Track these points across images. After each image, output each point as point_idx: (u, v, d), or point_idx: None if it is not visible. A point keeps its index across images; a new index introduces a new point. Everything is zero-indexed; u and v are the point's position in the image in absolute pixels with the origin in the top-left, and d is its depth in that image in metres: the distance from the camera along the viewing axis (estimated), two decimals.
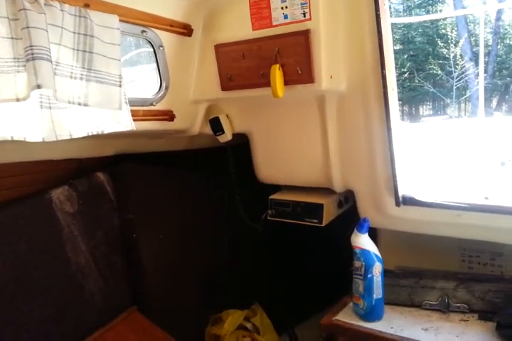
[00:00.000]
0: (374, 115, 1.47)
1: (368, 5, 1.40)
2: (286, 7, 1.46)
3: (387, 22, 1.42)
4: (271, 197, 1.82)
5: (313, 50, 1.41)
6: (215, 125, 1.81)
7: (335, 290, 1.65)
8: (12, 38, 1.05)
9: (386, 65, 1.38)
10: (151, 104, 1.60)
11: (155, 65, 1.62)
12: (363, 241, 1.35)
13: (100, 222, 1.66)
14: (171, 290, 1.75)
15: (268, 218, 1.80)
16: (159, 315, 1.65)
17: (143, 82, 2.17)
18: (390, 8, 1.48)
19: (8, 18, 1.04)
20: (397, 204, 1.50)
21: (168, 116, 1.67)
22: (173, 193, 1.90)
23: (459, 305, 1.39)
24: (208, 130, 1.85)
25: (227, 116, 1.82)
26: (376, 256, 1.36)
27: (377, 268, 1.34)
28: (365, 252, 1.34)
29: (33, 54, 1.02)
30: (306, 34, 1.41)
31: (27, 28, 1.03)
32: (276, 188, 1.91)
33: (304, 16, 1.44)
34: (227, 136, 1.81)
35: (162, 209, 1.84)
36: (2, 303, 1.33)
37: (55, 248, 1.49)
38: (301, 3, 1.44)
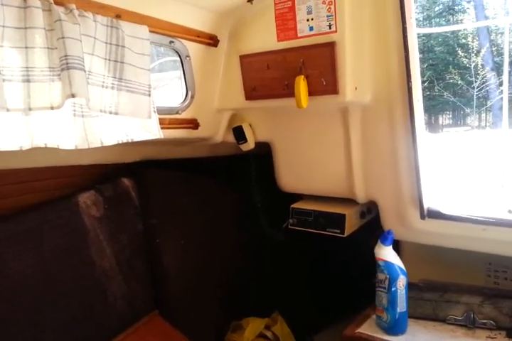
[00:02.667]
0: (399, 127, 1.46)
1: (394, 18, 1.40)
2: (312, 19, 1.48)
3: (413, 35, 1.42)
4: (292, 205, 1.82)
5: (338, 62, 1.42)
6: (238, 134, 1.83)
7: (355, 299, 1.63)
8: (48, 48, 1.08)
9: (412, 76, 1.38)
10: (177, 113, 1.63)
11: (179, 73, 1.66)
12: (387, 253, 1.34)
13: (124, 226, 1.68)
14: (191, 296, 1.76)
15: (289, 227, 1.80)
16: (180, 320, 1.66)
17: (166, 89, 2.22)
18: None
19: (44, 28, 1.08)
20: (422, 217, 1.48)
21: (193, 124, 1.70)
22: (195, 200, 1.92)
23: (485, 321, 1.36)
24: (231, 138, 1.87)
25: (250, 125, 1.84)
26: (400, 269, 1.34)
27: (402, 282, 1.33)
28: (389, 265, 1.33)
29: (67, 63, 1.06)
30: (331, 46, 1.43)
31: (62, 38, 1.07)
32: (296, 197, 1.92)
33: (330, 28, 1.45)
34: (249, 145, 1.83)
35: (184, 216, 1.85)
36: (28, 305, 1.35)
37: (80, 251, 1.51)
38: (327, 16, 1.45)
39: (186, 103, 1.66)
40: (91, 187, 1.64)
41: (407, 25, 1.38)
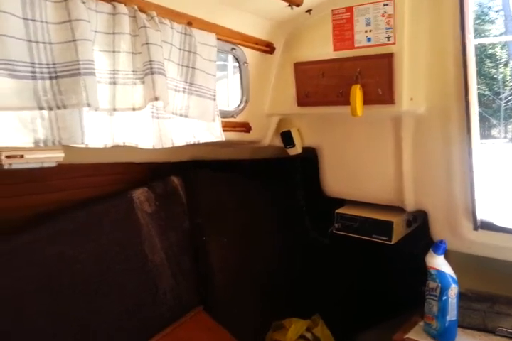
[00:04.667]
0: (454, 138, 1.49)
1: (451, 29, 1.44)
2: (371, 31, 1.52)
3: (471, 49, 1.45)
4: (337, 211, 1.86)
5: (396, 73, 1.46)
6: (287, 138, 1.88)
7: (395, 305, 1.65)
8: (132, 53, 1.15)
9: (470, 90, 1.41)
10: (232, 116, 1.69)
11: (224, 72, 1.71)
12: (439, 262, 1.37)
13: (173, 223, 1.74)
14: (234, 293, 1.81)
15: (334, 231, 1.83)
16: (222, 316, 1.71)
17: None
18: None
19: (130, 34, 1.14)
20: (475, 228, 1.51)
21: (246, 127, 1.76)
22: (239, 200, 1.97)
23: None
24: (277, 142, 1.92)
25: (298, 130, 1.89)
26: (452, 278, 1.37)
27: (453, 291, 1.36)
28: (441, 274, 1.36)
29: (152, 68, 1.12)
30: (389, 57, 1.47)
31: (147, 44, 1.13)
32: (338, 202, 1.95)
33: (388, 40, 1.49)
34: (297, 149, 1.88)
35: (228, 215, 1.91)
36: (87, 295, 1.41)
37: (134, 245, 1.57)
38: (386, 28, 1.49)
39: (241, 107, 1.71)
40: (143, 184, 1.70)
41: (467, 40, 1.41)
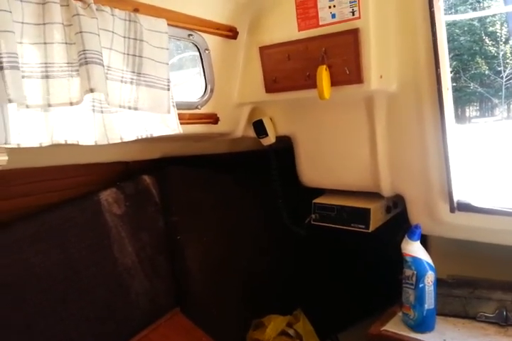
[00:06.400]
0: (427, 116, 1.40)
1: (420, 2, 1.34)
2: (334, 6, 1.43)
3: (441, 19, 1.36)
4: (314, 200, 1.78)
5: (362, 50, 1.38)
6: (259, 128, 1.80)
7: (380, 296, 1.59)
8: (66, 43, 1.07)
9: (441, 63, 1.32)
10: (197, 108, 1.61)
11: (198, 69, 1.63)
12: (414, 248, 1.30)
13: (146, 223, 1.68)
14: (213, 293, 1.75)
15: (311, 222, 1.76)
16: (201, 317, 1.66)
17: (186, 86, 2.20)
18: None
19: (62, 24, 1.07)
20: (452, 210, 1.42)
21: (213, 119, 1.68)
22: (216, 196, 1.90)
23: None
24: (251, 133, 1.84)
25: (271, 119, 1.81)
26: (429, 264, 1.30)
27: (430, 278, 1.29)
28: (416, 260, 1.29)
29: (86, 58, 1.05)
30: (354, 33, 1.38)
31: (80, 32, 1.06)
32: (319, 192, 1.88)
33: (353, 15, 1.40)
34: (270, 139, 1.80)
35: (205, 212, 1.84)
36: (54, 302, 1.36)
37: (103, 248, 1.52)
38: (350, 2, 1.40)
39: (206, 97, 1.63)
40: (112, 185, 1.64)
41: (435, 9, 1.31)
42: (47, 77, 1.04)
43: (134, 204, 1.66)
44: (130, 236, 1.61)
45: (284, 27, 1.54)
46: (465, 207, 1.42)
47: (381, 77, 1.39)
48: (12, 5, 0.97)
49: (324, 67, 1.42)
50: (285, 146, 1.84)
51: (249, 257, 1.91)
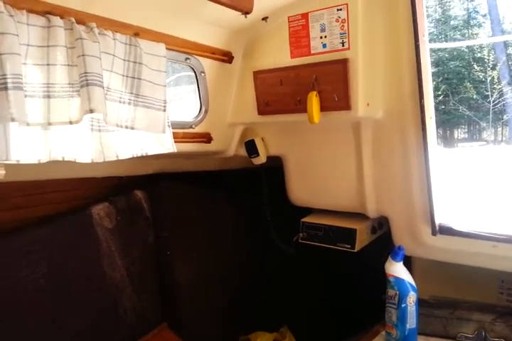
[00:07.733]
0: (411, 143, 1.47)
1: (407, 35, 1.42)
2: (326, 36, 1.51)
3: (426, 52, 1.43)
4: (303, 219, 1.82)
5: (351, 78, 1.44)
6: (250, 147, 1.85)
7: (365, 315, 1.61)
8: (68, 65, 1.12)
9: (425, 94, 1.39)
10: (191, 127, 1.66)
11: (193, 86, 1.69)
12: (397, 269, 1.34)
13: (136, 238, 1.70)
14: (201, 309, 1.77)
15: (299, 241, 1.80)
16: (188, 333, 1.67)
17: (180, 102, 2.26)
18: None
19: (66, 46, 1.12)
20: (434, 233, 1.47)
21: (206, 138, 1.73)
22: (206, 212, 1.94)
23: (497, 339, 1.34)
24: (243, 152, 1.89)
25: (262, 140, 1.86)
26: (411, 285, 1.34)
27: (412, 298, 1.32)
28: (399, 281, 1.33)
29: (87, 80, 1.09)
30: (344, 63, 1.45)
31: (82, 55, 1.11)
32: (308, 211, 1.92)
33: (343, 46, 1.47)
34: (261, 159, 1.85)
35: (195, 228, 1.87)
36: (42, 316, 1.37)
37: (92, 262, 1.53)
38: (340, 33, 1.48)
39: (200, 117, 1.69)
40: (104, 199, 1.66)
41: (420, 43, 1.39)
42: (48, 96, 1.09)
43: (126, 218, 1.68)
44: (120, 250, 1.62)
45: (277, 53, 1.61)
46: (446, 231, 1.47)
47: (368, 104, 1.46)
48: (19, 28, 1.02)
49: (315, 93, 1.48)
50: (276, 165, 1.89)
51: (237, 274, 1.93)
